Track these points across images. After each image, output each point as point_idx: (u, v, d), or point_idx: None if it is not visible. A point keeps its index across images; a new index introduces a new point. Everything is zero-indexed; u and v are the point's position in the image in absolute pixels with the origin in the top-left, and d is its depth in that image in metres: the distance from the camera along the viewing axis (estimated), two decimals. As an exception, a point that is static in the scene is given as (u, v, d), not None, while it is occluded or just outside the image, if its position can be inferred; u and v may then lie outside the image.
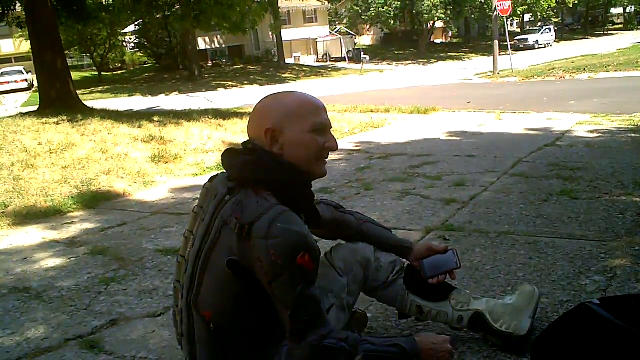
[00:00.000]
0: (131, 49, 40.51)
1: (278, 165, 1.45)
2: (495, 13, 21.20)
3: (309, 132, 1.48)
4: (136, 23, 34.29)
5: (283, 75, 32.47)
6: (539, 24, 50.12)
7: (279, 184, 1.44)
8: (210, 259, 1.42)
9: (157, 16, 17.06)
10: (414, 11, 40.32)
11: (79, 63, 40.69)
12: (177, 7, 14.88)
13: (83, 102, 13.94)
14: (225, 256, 1.38)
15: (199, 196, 1.61)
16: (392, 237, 1.97)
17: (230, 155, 1.52)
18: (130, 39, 38.94)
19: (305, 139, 1.48)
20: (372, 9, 41.25)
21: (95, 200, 4.89)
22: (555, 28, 50.63)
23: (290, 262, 1.33)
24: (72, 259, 3.38)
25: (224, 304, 1.42)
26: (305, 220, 1.48)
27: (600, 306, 1.43)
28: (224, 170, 1.55)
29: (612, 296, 2.11)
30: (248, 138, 1.54)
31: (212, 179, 1.57)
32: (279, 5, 35.25)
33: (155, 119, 10.02)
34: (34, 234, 4.05)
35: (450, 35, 54.19)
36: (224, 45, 42.43)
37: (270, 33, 37.97)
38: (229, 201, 1.42)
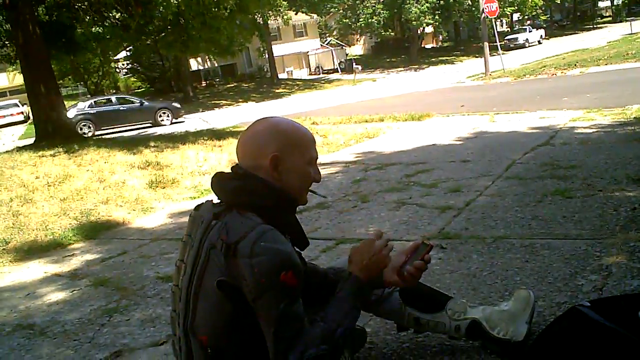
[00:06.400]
0: (124, 75, 40.72)
1: (270, 191, 1.49)
2: (483, 15, 21.34)
3: (306, 164, 1.55)
4: (128, 49, 34.47)
5: (277, 91, 32.59)
6: (528, 22, 50.35)
7: (268, 209, 1.47)
8: (202, 283, 1.45)
9: (147, 42, 17.16)
10: (403, 18, 40.59)
11: (74, 92, 40.85)
12: (163, 34, 14.87)
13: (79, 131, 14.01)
14: (215, 278, 1.41)
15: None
16: None
17: (220, 179, 1.56)
18: (123, 64, 39.16)
19: (302, 169, 1.55)
20: (361, 19, 41.46)
21: (95, 231, 4.92)
22: (544, 25, 50.84)
23: (274, 280, 1.36)
24: (74, 292, 3.40)
25: (219, 327, 1.45)
26: (292, 244, 1.51)
27: (590, 308, 1.45)
28: (209, 199, 1.59)
29: (602, 298, 2.12)
30: (238, 161, 1.57)
31: (197, 207, 1.60)
32: (269, 23, 35.48)
33: (151, 144, 10.09)
34: (35, 269, 4.08)
35: (440, 39, 54.44)
36: (216, 65, 42.65)
37: (262, 49, 38.19)
38: (215, 225, 1.45)
